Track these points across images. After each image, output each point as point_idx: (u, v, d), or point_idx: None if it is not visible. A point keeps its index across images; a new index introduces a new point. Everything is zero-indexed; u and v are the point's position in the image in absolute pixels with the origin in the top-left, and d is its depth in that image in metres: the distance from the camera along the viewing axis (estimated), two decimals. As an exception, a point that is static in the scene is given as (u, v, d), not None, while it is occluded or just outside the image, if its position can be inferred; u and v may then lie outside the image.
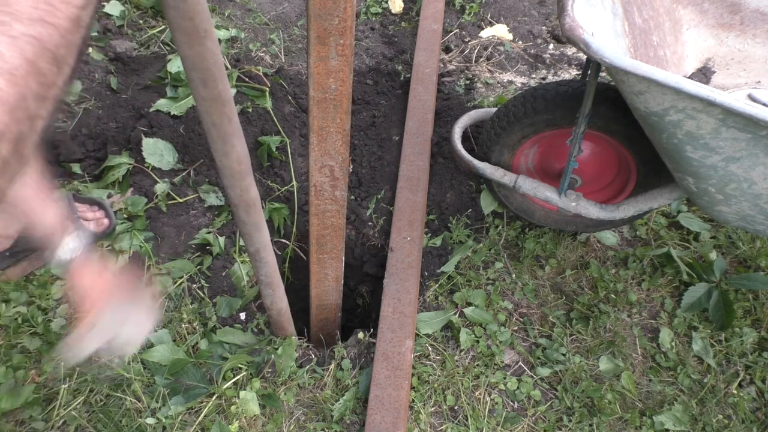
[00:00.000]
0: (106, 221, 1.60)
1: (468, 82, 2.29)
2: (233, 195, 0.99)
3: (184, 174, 1.81)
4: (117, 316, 1.01)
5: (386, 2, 2.75)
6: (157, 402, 1.34)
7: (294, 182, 1.91)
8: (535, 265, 1.73)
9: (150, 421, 1.31)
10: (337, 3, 0.82)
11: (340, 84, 0.93)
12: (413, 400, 1.42)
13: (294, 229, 1.90)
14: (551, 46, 2.50)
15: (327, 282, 1.43)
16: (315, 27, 0.84)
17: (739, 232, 1.79)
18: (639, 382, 1.50)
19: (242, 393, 1.36)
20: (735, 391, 1.48)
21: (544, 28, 2.58)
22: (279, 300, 1.37)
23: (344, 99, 0.96)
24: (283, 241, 1.88)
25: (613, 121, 1.36)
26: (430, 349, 1.52)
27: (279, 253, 1.89)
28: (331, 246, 1.31)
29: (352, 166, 2.02)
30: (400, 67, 2.40)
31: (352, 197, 1.95)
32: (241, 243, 1.68)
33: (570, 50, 2.47)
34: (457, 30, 2.55)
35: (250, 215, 1.05)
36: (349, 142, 1.07)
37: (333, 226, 1.25)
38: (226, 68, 2.13)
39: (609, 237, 1.77)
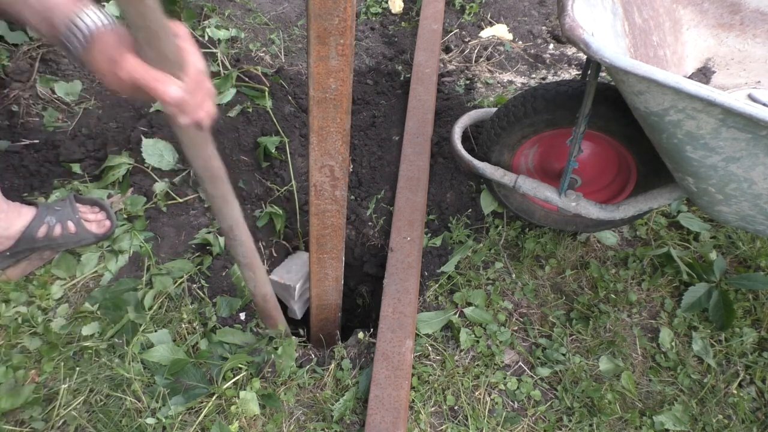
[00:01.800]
0: (107, 223, 1.60)
1: (468, 82, 2.29)
2: (197, 167, 0.95)
3: (184, 174, 1.81)
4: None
5: (386, 2, 2.75)
6: (157, 402, 1.34)
7: (293, 182, 1.91)
8: (535, 265, 1.73)
9: (150, 421, 1.31)
10: (338, 3, 0.82)
11: (341, 84, 0.93)
12: (413, 400, 1.42)
13: (299, 229, 1.90)
14: (551, 46, 2.50)
15: (327, 282, 1.43)
16: (315, 27, 0.84)
17: (739, 232, 1.79)
18: (639, 382, 1.50)
19: (242, 393, 1.36)
20: (735, 391, 1.48)
21: (544, 28, 2.58)
22: (262, 284, 1.32)
23: (344, 99, 0.96)
24: (284, 242, 1.88)
25: (613, 121, 1.36)
26: (430, 349, 1.52)
27: (276, 255, 1.89)
28: (331, 246, 1.31)
29: (352, 166, 2.02)
30: (400, 67, 2.40)
31: (352, 197, 1.95)
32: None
33: (570, 50, 2.47)
34: (457, 30, 2.55)
35: (217, 187, 1.01)
36: (349, 142, 1.07)
37: (333, 226, 1.25)
38: (226, 68, 2.13)
39: (609, 237, 1.77)
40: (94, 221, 1.59)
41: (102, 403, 1.35)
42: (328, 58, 0.89)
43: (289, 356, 1.45)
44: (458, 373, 1.47)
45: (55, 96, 1.91)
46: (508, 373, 1.50)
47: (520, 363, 1.53)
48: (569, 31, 1.06)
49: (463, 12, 2.65)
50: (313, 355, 1.54)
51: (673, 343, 1.56)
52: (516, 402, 1.45)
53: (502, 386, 1.47)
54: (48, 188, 1.71)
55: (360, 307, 2.02)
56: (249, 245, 1.19)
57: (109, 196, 1.72)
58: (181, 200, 1.75)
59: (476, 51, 2.43)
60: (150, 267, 1.60)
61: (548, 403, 1.45)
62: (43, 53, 1.99)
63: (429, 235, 1.77)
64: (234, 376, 1.40)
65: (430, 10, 2.51)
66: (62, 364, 1.40)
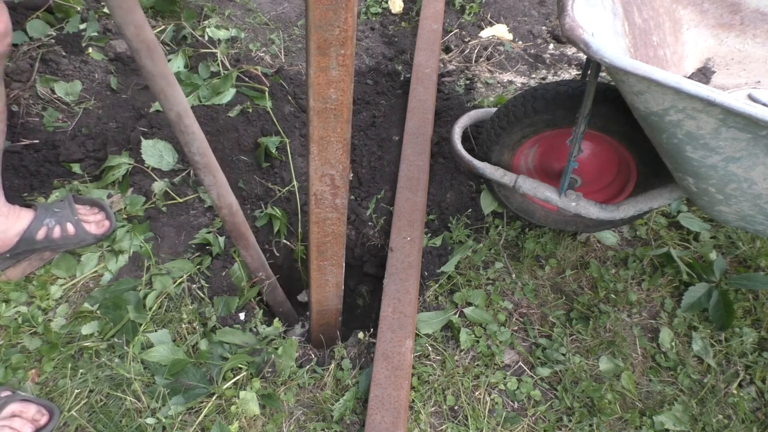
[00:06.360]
0: (107, 223, 1.60)
1: (468, 82, 2.29)
2: (129, 36, 0.90)
3: (184, 174, 1.81)
4: None
5: (386, 2, 2.75)
6: (157, 402, 1.34)
7: (294, 182, 1.91)
8: (535, 265, 1.73)
9: (150, 421, 1.31)
10: (338, 13, 0.80)
11: (341, 94, 0.92)
12: (413, 400, 1.42)
13: (299, 230, 1.90)
14: (551, 46, 2.50)
15: (327, 288, 1.42)
16: (315, 38, 0.83)
17: (739, 232, 1.79)
18: (639, 382, 1.50)
19: (242, 393, 1.36)
20: (735, 391, 1.48)
21: (544, 28, 2.58)
22: (226, 192, 1.24)
23: (345, 109, 0.95)
24: (285, 242, 1.88)
25: (613, 121, 1.36)
26: (430, 349, 1.52)
27: (278, 254, 1.89)
28: (332, 253, 1.30)
29: (351, 173, 2.02)
30: (400, 67, 2.40)
31: (352, 197, 1.95)
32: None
33: (570, 50, 2.47)
34: (457, 30, 2.55)
35: (156, 63, 0.94)
36: (350, 148, 1.07)
37: (333, 234, 1.24)
38: (226, 68, 2.13)
39: (609, 237, 1.77)
40: (93, 222, 1.59)
41: (102, 403, 1.35)
42: (328, 68, 0.88)
43: (289, 356, 1.45)
44: (458, 373, 1.47)
45: (55, 96, 1.91)
46: (508, 373, 1.50)
47: (520, 363, 1.53)
48: (569, 31, 1.06)
49: (463, 12, 2.65)
50: (313, 355, 1.54)
51: (673, 343, 1.56)
52: (516, 402, 1.45)
53: (502, 386, 1.47)
54: (48, 188, 1.71)
55: (360, 307, 2.02)
56: (203, 140, 1.10)
57: (109, 196, 1.72)
58: (180, 200, 1.75)
59: (476, 51, 2.43)
60: (150, 267, 1.60)
61: (548, 403, 1.45)
62: (43, 53, 1.99)
63: (429, 235, 1.77)
64: (234, 376, 1.40)
65: (430, 10, 2.50)
66: (62, 364, 1.40)
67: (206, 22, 2.33)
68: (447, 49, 2.48)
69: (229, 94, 2.01)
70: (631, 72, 1.01)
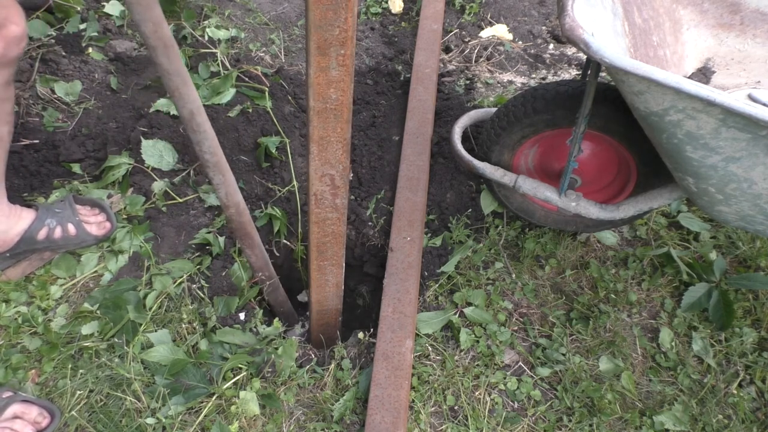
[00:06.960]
0: (108, 224, 1.60)
1: (468, 82, 2.29)
2: (147, 33, 0.90)
3: (184, 174, 1.81)
4: None
5: (386, 2, 2.75)
6: (157, 402, 1.34)
7: (294, 182, 1.91)
8: (535, 265, 1.73)
9: (150, 421, 1.31)
10: (338, 13, 0.80)
11: (341, 94, 0.92)
12: (413, 400, 1.42)
13: (299, 229, 1.90)
14: (551, 46, 2.50)
15: (327, 288, 1.42)
16: (315, 38, 0.83)
17: (739, 232, 1.79)
18: (639, 382, 1.50)
19: (242, 393, 1.36)
20: (735, 391, 1.48)
21: (544, 28, 2.58)
22: (234, 191, 1.26)
23: (345, 109, 0.95)
24: (285, 242, 1.88)
25: (613, 121, 1.36)
26: (430, 349, 1.52)
27: (278, 254, 1.89)
28: (332, 253, 1.30)
29: (351, 168, 2.02)
30: (400, 67, 2.40)
31: (352, 197, 1.95)
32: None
33: (570, 50, 2.47)
34: (457, 30, 2.55)
35: (172, 61, 0.95)
36: (350, 148, 1.06)
37: (333, 234, 1.24)
38: (226, 68, 2.13)
39: (609, 237, 1.77)
40: (94, 223, 1.59)
41: (102, 403, 1.35)
42: (328, 68, 0.88)
43: (289, 356, 1.45)
44: (458, 373, 1.47)
45: (55, 96, 1.91)
46: (508, 373, 1.50)
47: (520, 363, 1.53)
48: (569, 31, 1.06)
49: (463, 12, 2.65)
50: (313, 355, 1.54)
51: (673, 343, 1.56)
52: (516, 402, 1.45)
53: (502, 386, 1.47)
54: (48, 188, 1.71)
55: (360, 307, 2.02)
56: (214, 139, 1.11)
57: (109, 196, 1.72)
58: (180, 200, 1.75)
59: (476, 51, 2.43)
60: (150, 267, 1.60)
61: (548, 403, 1.45)
62: (43, 53, 1.99)
63: (429, 235, 1.77)
64: (234, 376, 1.40)
65: (430, 10, 2.50)
66: (62, 364, 1.40)
67: (206, 22, 2.33)
68: (447, 49, 2.48)
69: (229, 94, 2.01)
70: (631, 72, 1.01)
